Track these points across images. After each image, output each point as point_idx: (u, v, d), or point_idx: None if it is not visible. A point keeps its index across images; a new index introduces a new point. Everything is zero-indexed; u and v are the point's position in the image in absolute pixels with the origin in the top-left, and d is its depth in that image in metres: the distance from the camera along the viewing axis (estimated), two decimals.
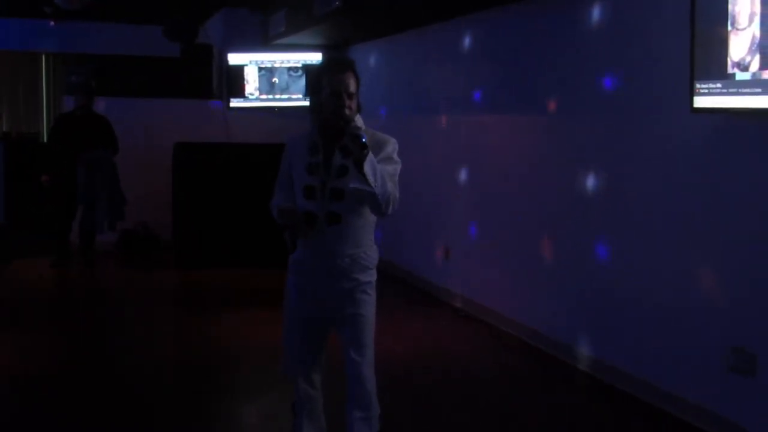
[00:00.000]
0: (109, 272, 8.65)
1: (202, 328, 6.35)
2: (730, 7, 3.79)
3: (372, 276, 3.30)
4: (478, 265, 6.72)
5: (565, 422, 4.52)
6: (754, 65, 3.69)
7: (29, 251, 9.01)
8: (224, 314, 6.79)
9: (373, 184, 3.02)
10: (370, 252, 3.28)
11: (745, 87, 3.76)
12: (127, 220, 8.78)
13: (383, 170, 3.08)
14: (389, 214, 3.14)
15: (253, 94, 9.86)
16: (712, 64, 3.92)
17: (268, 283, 7.23)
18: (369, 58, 9.13)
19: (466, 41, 6.91)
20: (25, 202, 9.18)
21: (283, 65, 9.83)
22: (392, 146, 3.20)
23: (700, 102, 4.02)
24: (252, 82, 9.83)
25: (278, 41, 9.41)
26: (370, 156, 3.01)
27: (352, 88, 3.14)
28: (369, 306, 3.27)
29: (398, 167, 3.20)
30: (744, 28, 3.73)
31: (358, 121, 3.18)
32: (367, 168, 2.99)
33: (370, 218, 3.25)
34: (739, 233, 4.04)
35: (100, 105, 8.85)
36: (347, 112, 3.11)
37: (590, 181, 5.23)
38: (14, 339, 6.04)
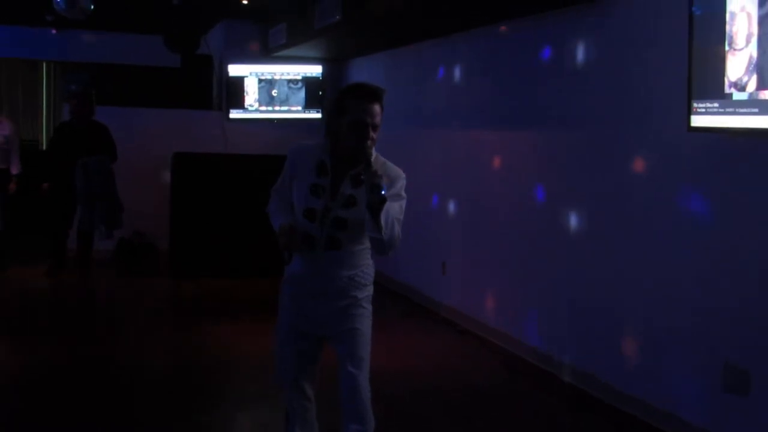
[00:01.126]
0: (105, 280, 8.64)
1: (197, 338, 6.34)
2: (727, 27, 3.81)
3: (369, 291, 3.29)
4: (475, 279, 6.73)
5: None
6: (751, 85, 3.71)
7: (26, 258, 9.00)
8: (219, 324, 6.78)
9: (383, 233, 3.00)
10: (367, 270, 3.27)
11: (742, 107, 3.77)
12: (124, 228, 8.78)
13: (392, 210, 3.04)
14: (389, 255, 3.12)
15: (253, 106, 9.89)
16: (710, 83, 3.94)
17: (264, 292, 7.23)
18: (368, 71, 9.16)
19: (465, 57, 6.94)
20: (24, 209, 9.18)
21: (283, 77, 9.86)
22: (401, 182, 3.16)
23: (697, 121, 4.04)
24: (252, 93, 9.86)
25: (278, 53, 9.45)
26: (387, 204, 2.97)
27: (378, 120, 3.08)
28: (365, 319, 3.26)
29: (404, 203, 3.17)
30: (741, 49, 3.75)
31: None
32: (382, 218, 2.96)
33: (368, 242, 3.21)
34: (734, 251, 4.05)
35: (100, 113, 8.85)
36: (369, 143, 3.05)
37: (587, 198, 5.25)
38: (9, 346, 6.04)
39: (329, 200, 3.13)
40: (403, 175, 3.19)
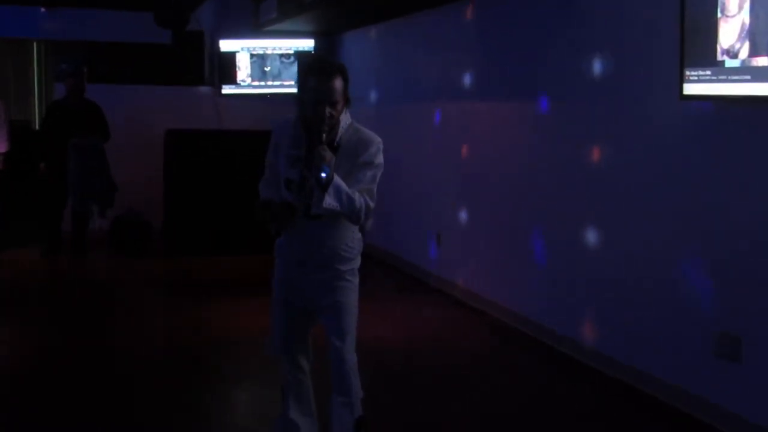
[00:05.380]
0: (100, 260, 8.63)
1: (193, 316, 6.35)
2: None
3: (353, 264, 3.30)
4: (470, 251, 6.74)
5: (550, 406, 4.54)
6: (744, 52, 3.70)
7: (20, 240, 8.98)
8: (215, 301, 6.79)
9: (339, 209, 3.04)
10: (351, 243, 3.28)
11: (734, 74, 3.76)
12: (118, 207, 8.76)
13: (361, 176, 3.09)
14: (363, 224, 3.16)
15: (245, 81, 9.83)
16: (702, 51, 3.92)
17: (259, 270, 7.21)
18: (360, 44, 9.11)
19: (457, 27, 6.90)
20: (17, 190, 9.13)
21: (275, 52, 9.80)
22: (375, 147, 3.17)
23: (689, 89, 4.03)
24: (244, 68, 9.81)
25: (270, 28, 9.38)
26: (334, 182, 3.00)
27: (337, 96, 3.07)
28: (350, 292, 3.28)
29: (378, 172, 3.18)
30: (734, 15, 3.73)
31: (345, 119, 3.15)
32: (328, 201, 2.99)
33: None
34: (727, 219, 4.06)
35: (91, 92, 8.80)
36: (327, 121, 3.06)
37: (579, 167, 5.24)
38: (4, 328, 6.04)
39: (305, 170, 3.13)
40: (378, 140, 3.19)
